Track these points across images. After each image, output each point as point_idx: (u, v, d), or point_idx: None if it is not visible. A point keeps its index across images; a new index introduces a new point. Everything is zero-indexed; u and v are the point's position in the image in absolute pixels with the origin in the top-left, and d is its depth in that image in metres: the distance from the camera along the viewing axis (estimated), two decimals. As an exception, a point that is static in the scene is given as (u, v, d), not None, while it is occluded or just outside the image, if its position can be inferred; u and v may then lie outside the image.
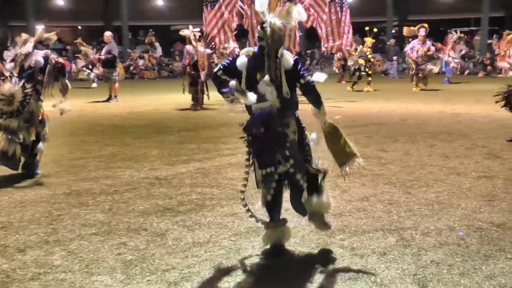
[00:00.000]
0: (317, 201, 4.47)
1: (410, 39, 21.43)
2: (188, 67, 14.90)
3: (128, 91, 19.80)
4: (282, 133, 4.33)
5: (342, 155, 4.65)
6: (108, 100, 16.93)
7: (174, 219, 5.31)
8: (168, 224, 5.18)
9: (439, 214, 5.33)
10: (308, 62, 32.32)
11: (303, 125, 4.59)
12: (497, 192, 6.04)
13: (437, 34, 27.89)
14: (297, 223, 5.10)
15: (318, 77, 4.50)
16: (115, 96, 17.03)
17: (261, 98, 4.24)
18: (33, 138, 7.17)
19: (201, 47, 14.86)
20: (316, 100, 4.55)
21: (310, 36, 25.60)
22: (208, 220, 5.27)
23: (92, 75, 20.47)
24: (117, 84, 17.24)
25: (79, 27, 37.62)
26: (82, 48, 18.23)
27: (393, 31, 34.73)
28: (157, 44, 30.70)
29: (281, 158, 4.30)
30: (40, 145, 7.32)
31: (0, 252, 4.53)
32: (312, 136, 4.71)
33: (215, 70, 4.52)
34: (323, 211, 4.56)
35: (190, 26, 15.22)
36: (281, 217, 4.58)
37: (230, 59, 4.49)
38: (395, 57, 28.06)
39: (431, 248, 4.46)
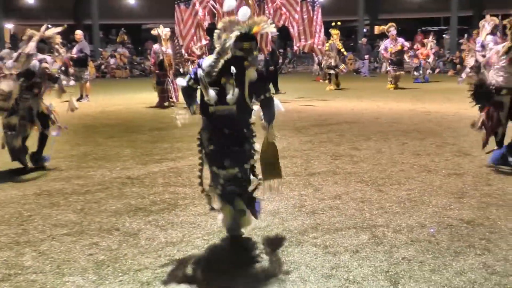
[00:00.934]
0: (246, 217, 4.69)
1: (383, 39, 21.61)
2: (153, 66, 15.42)
3: (100, 90, 19.59)
4: (239, 132, 4.55)
5: (270, 170, 4.78)
6: (79, 99, 16.72)
7: (146, 219, 5.28)
8: (141, 224, 5.15)
9: (411, 211, 5.40)
10: (280, 61, 32.41)
11: (254, 133, 4.70)
12: (467, 189, 6.14)
13: (406, 33, 28.18)
14: (270, 221, 5.12)
15: (279, 106, 4.76)
16: (87, 95, 16.84)
17: (220, 101, 4.41)
18: (29, 133, 7.49)
19: (168, 48, 14.96)
20: (271, 116, 4.65)
21: (282, 35, 25.61)
22: (181, 220, 5.25)
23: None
24: (88, 83, 17.05)
25: (49, 26, 37.19)
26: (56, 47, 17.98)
27: (365, 30, 35.02)
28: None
29: (230, 161, 4.50)
30: (48, 135, 7.62)
31: (-31, 254, 4.45)
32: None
33: (185, 81, 4.63)
34: (244, 224, 4.76)
35: (161, 26, 15.32)
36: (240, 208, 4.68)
37: (197, 67, 4.61)
38: (366, 56, 28.26)
39: (403, 245, 4.51)
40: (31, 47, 7.32)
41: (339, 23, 20.41)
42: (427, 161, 7.61)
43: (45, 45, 7.56)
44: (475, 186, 6.28)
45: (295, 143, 9.05)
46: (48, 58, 7.46)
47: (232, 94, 4.36)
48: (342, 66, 19.95)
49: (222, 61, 4.46)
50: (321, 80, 22.14)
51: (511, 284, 3.80)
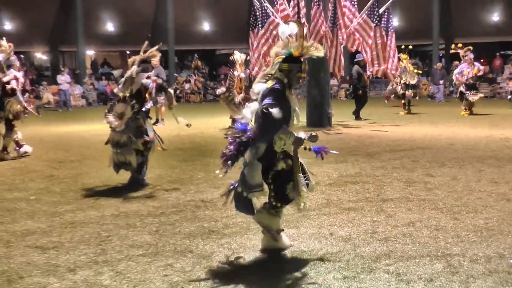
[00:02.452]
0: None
1: (458, 63, 21.12)
2: (227, 90, 15.64)
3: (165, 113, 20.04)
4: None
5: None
6: (155, 123, 17.21)
7: (219, 242, 5.36)
8: (214, 246, 5.24)
9: (488, 241, 5.24)
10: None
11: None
12: (549, 219, 5.91)
13: (484, 57, 27.49)
14: (342, 247, 5.10)
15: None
16: (162, 119, 17.29)
17: None
18: (141, 148, 8.06)
19: (241, 72, 15.22)
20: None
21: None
22: (253, 243, 5.30)
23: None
24: (163, 108, 17.50)
25: (128, 52, 38.50)
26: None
27: (440, 54, 34.37)
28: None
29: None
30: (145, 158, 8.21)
31: (51, 271, 4.66)
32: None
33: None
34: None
35: (236, 51, 15.65)
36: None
37: None
38: (441, 81, 27.73)
39: (480, 275, 4.38)
40: (133, 70, 8.00)
41: (410, 46, 20.20)
42: (506, 189, 7.38)
43: (147, 64, 8.28)
44: (557, 216, 6.04)
45: (367, 169, 8.97)
46: (151, 74, 8.22)
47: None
48: (408, 93, 19.62)
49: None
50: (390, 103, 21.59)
51: None
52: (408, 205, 6.62)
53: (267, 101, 4.69)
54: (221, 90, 15.98)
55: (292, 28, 4.90)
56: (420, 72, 21.34)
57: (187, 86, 31.19)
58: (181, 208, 6.74)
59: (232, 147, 5.08)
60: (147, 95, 8.24)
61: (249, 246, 5.22)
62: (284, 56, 4.83)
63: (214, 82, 33.39)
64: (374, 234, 5.51)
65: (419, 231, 5.59)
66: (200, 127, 16.35)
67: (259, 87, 4.90)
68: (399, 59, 19.71)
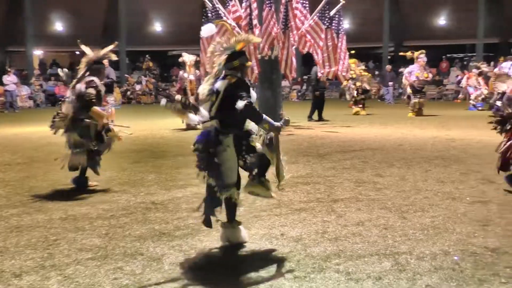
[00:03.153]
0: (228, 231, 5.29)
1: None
2: (177, 92, 16.14)
3: (125, 116, 19.87)
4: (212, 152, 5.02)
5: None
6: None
7: (170, 244, 5.33)
8: (164, 248, 5.20)
9: (434, 238, 5.36)
10: (304, 87, 32.56)
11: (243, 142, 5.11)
12: (492, 217, 6.08)
13: (431, 60, 28.12)
14: (293, 247, 5.14)
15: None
16: (112, 121, 17.05)
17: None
18: (93, 148, 7.88)
19: (191, 74, 15.33)
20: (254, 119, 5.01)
21: (307, 62, 25.79)
22: (204, 245, 5.29)
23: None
24: (113, 109, 17.25)
25: (77, 52, 37.85)
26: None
27: (389, 57, 35.00)
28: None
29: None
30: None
31: (-4, 276, 4.54)
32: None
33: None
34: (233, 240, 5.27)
35: (185, 53, 15.81)
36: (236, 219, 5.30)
37: None
38: (391, 83, 28.24)
39: (426, 272, 4.48)
40: (81, 72, 7.82)
41: (352, 51, 20.66)
42: (451, 188, 7.57)
43: (100, 65, 8.06)
44: (500, 214, 6.22)
45: (318, 169, 9.07)
46: (96, 79, 7.76)
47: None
48: (368, 87, 20.11)
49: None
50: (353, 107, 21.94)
51: (536, 314, 3.76)
52: (358, 205, 6.71)
53: (244, 95, 4.86)
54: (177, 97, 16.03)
55: (212, 28, 5.20)
56: (370, 75, 21.76)
57: (138, 87, 30.90)
58: (132, 210, 6.67)
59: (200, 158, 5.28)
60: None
61: (200, 248, 5.21)
62: (228, 55, 5.07)
63: (165, 83, 33.18)
64: (324, 234, 5.57)
65: (368, 230, 5.68)
66: (151, 129, 16.25)
67: (218, 85, 5.03)
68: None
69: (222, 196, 5.11)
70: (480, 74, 22.30)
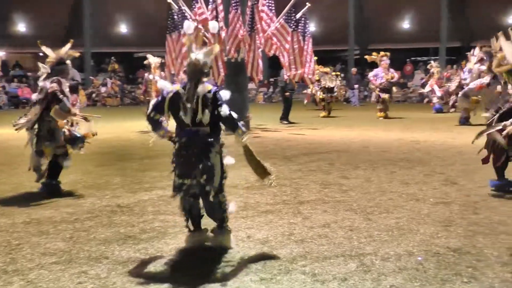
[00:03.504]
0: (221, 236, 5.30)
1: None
2: (143, 94, 16.36)
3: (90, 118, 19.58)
4: (203, 150, 5.01)
5: (261, 172, 5.33)
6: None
7: (136, 247, 5.29)
8: (130, 252, 5.16)
9: (399, 239, 5.44)
10: (271, 89, 32.67)
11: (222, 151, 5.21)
12: (454, 218, 6.19)
13: (396, 63, 28.50)
14: (259, 249, 5.15)
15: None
16: (76, 123, 16.82)
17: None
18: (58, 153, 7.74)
19: (156, 76, 15.36)
20: (232, 126, 5.12)
21: (273, 64, 25.89)
22: (171, 248, 5.27)
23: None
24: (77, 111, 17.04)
25: (41, 54, 37.32)
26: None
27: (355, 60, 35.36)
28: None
29: (197, 172, 4.97)
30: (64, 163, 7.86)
31: (-43, 282, 4.44)
32: (228, 159, 5.27)
33: (148, 111, 5.35)
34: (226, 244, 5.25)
35: (150, 55, 15.82)
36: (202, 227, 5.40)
37: (159, 98, 5.25)
38: (356, 86, 28.52)
39: (391, 273, 4.54)
40: (44, 72, 7.75)
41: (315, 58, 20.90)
42: (415, 189, 7.68)
43: (63, 65, 7.89)
44: (462, 214, 6.34)
45: (285, 172, 9.11)
46: (60, 78, 7.66)
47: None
48: (327, 96, 20.30)
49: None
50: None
51: (497, 312, 3.84)
52: (324, 207, 6.76)
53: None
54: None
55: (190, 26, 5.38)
56: (339, 73, 22.02)
57: (103, 89, 30.58)
58: (97, 213, 6.60)
59: None
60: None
61: (166, 251, 5.18)
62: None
63: (131, 86, 32.91)
64: (290, 236, 5.60)
65: (334, 232, 5.73)
66: (117, 131, 16.10)
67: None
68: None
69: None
70: (431, 75, 22.77)
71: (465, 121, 16.49)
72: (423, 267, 4.66)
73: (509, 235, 5.48)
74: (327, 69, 21.12)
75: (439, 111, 21.73)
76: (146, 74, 16.09)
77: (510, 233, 5.54)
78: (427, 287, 4.24)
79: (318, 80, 20.25)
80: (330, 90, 20.62)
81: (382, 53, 19.91)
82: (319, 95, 20.58)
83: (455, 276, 4.45)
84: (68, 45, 8.08)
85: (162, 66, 16.29)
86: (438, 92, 22.30)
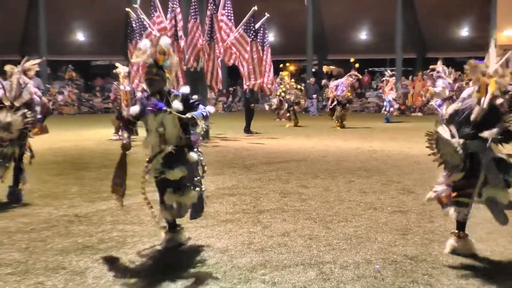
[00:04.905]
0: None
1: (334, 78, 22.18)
2: (112, 102, 16.49)
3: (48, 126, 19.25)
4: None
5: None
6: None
7: (94, 257, 5.22)
8: (88, 262, 5.09)
9: (357, 248, 5.51)
10: (230, 99, 32.69)
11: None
12: (411, 226, 6.31)
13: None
14: (219, 258, 5.15)
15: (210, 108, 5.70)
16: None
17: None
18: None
19: (126, 85, 15.43)
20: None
21: (233, 73, 25.94)
22: (129, 258, 5.22)
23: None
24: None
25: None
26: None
27: (313, 70, 35.68)
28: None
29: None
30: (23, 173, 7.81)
31: None
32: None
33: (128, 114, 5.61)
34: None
35: (118, 64, 16.01)
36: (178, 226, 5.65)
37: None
38: (314, 95, 28.75)
39: (349, 281, 4.60)
40: (23, 80, 7.72)
41: (287, 64, 21.16)
42: (373, 198, 7.79)
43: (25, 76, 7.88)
44: (419, 223, 6.46)
45: (244, 181, 9.12)
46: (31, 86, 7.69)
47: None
48: (302, 101, 20.61)
49: None
50: (283, 119, 22.16)
51: (453, 318, 3.92)
52: (283, 216, 6.80)
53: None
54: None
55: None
56: (301, 88, 22.28)
57: (60, 97, 30.09)
58: (54, 223, 6.49)
59: None
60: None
61: (125, 261, 5.13)
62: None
63: (89, 94, 32.48)
64: (250, 245, 5.62)
65: (294, 240, 5.77)
66: (74, 140, 15.87)
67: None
68: (282, 79, 20.70)
69: None
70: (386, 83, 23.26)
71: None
72: (381, 275, 4.74)
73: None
74: (298, 88, 21.38)
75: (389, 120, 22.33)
76: (115, 83, 16.19)
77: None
78: (385, 294, 4.31)
79: (284, 92, 20.52)
80: (297, 102, 20.96)
81: (354, 72, 20.13)
82: (286, 107, 20.86)
83: (412, 283, 4.53)
84: (37, 61, 8.05)
85: (129, 75, 16.23)
86: (395, 104, 22.80)
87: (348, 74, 20.05)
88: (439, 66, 17.30)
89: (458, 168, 5.08)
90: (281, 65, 21.26)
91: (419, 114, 26.72)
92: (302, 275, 4.73)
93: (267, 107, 21.71)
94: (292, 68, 20.59)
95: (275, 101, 21.03)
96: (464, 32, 33.02)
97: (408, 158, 11.63)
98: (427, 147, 5.18)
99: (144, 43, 5.55)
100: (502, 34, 28.59)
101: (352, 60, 20.50)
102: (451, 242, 5.34)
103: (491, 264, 5.05)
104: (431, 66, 18.16)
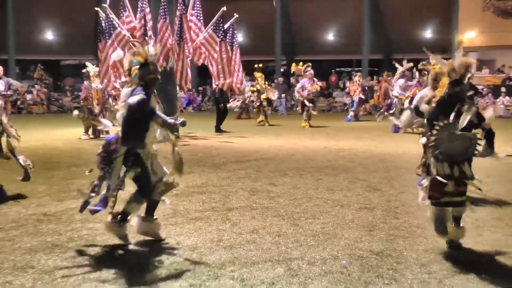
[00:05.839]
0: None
1: (299, 79, 22.26)
2: (83, 101, 16.04)
3: (15, 126, 18.92)
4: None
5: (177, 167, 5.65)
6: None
7: (63, 256, 5.15)
8: (57, 260, 5.02)
9: (324, 244, 5.54)
10: (200, 98, 32.59)
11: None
12: (377, 223, 6.37)
13: (321, 73, 29.11)
14: (188, 256, 5.14)
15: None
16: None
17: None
18: None
19: (96, 83, 15.46)
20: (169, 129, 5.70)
21: (202, 73, 25.88)
22: (99, 256, 5.17)
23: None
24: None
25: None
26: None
27: (282, 70, 35.79)
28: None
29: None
30: None
31: None
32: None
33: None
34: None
35: (88, 63, 15.92)
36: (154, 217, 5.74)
37: None
38: (283, 95, 28.85)
39: (317, 277, 4.62)
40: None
41: (260, 65, 21.33)
42: (340, 196, 7.85)
43: None
44: (384, 219, 6.53)
45: (214, 179, 9.11)
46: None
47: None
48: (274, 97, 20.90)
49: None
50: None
51: (416, 311, 3.98)
52: (252, 213, 6.81)
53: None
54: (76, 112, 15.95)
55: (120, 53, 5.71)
56: (272, 87, 22.47)
57: (29, 96, 29.62)
58: (22, 222, 6.38)
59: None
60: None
61: (94, 259, 5.08)
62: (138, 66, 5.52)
63: (58, 93, 32.04)
64: (219, 242, 5.61)
65: (262, 237, 5.78)
66: (43, 139, 15.62)
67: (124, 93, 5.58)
68: (256, 79, 20.86)
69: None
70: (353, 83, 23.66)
71: (397, 129, 16.81)
72: (347, 270, 4.78)
73: (426, 238, 5.70)
74: (270, 87, 21.62)
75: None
76: (85, 82, 16.04)
77: (427, 236, 5.75)
78: (351, 289, 4.35)
79: (258, 91, 20.69)
80: (269, 101, 21.15)
81: (306, 64, 20.30)
82: (259, 105, 20.97)
83: (377, 278, 4.58)
84: None
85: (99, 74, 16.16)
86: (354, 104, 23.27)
87: (303, 71, 20.19)
88: (400, 67, 17.52)
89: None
90: (255, 65, 21.33)
91: (385, 113, 27.03)
92: (271, 272, 4.74)
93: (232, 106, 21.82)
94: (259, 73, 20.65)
95: (238, 103, 21.37)
96: (428, 34, 33.54)
97: (374, 157, 11.75)
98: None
99: (118, 54, 5.80)
100: (463, 36, 29.11)
101: (255, 65, 21.04)
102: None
103: (453, 258, 5.12)
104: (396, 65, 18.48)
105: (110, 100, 16.20)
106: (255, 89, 20.95)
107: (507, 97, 26.25)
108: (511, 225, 6.32)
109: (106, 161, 5.42)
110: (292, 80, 26.29)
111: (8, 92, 16.16)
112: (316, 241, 5.64)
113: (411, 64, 18.23)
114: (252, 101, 21.68)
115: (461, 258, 5.12)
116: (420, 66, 7.61)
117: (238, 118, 23.55)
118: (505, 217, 6.67)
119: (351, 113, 23.35)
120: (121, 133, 5.39)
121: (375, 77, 30.64)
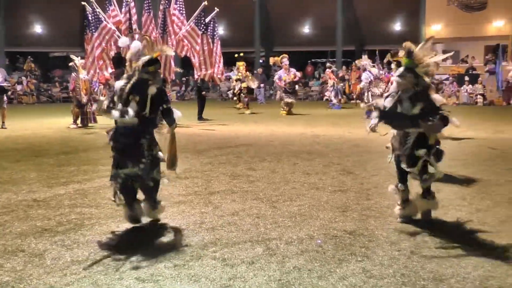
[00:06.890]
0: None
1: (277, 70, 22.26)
2: (72, 92, 15.98)
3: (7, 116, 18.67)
4: (138, 144, 5.33)
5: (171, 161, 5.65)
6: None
7: (52, 239, 5.09)
8: (47, 244, 4.96)
9: (301, 225, 5.55)
10: (183, 88, 32.41)
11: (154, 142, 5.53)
12: (350, 204, 6.39)
13: (298, 64, 29.02)
14: (172, 237, 5.11)
15: (178, 114, 5.59)
16: (3, 123, 15.77)
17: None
18: None
19: (83, 74, 15.32)
20: (171, 121, 5.55)
21: (185, 64, 25.71)
22: (87, 239, 5.11)
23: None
24: (5, 111, 16.00)
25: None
26: None
27: (261, 61, 35.69)
28: None
29: (133, 163, 5.33)
30: None
31: None
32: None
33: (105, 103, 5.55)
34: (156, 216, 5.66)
35: (73, 56, 15.74)
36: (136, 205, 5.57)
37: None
38: (262, 84, 28.79)
39: (294, 255, 4.63)
40: None
41: (241, 54, 21.27)
42: (315, 179, 7.86)
43: None
44: (357, 201, 6.55)
45: (196, 165, 9.06)
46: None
47: (133, 110, 5.25)
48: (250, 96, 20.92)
49: (130, 84, 5.36)
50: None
51: (386, 286, 4.00)
52: (233, 197, 6.79)
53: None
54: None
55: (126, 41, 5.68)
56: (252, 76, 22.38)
57: (19, 87, 29.20)
58: (13, 208, 6.29)
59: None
60: None
61: (83, 242, 5.02)
62: (146, 61, 5.45)
63: (47, 84, 31.63)
64: (202, 224, 5.58)
65: (242, 219, 5.76)
66: (33, 128, 15.44)
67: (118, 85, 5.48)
68: (238, 68, 20.81)
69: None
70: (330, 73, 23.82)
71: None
72: (322, 249, 4.78)
73: (396, 218, 5.72)
74: (251, 76, 21.54)
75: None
76: (73, 74, 15.81)
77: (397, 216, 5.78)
78: (326, 266, 4.36)
79: (240, 80, 20.63)
80: (250, 90, 21.18)
81: (282, 55, 20.27)
82: (242, 93, 20.87)
83: (350, 255, 4.60)
84: None
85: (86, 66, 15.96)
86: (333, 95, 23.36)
87: (280, 62, 20.19)
88: (364, 60, 17.47)
89: None
90: (236, 55, 21.34)
91: (358, 101, 27.16)
92: (250, 251, 4.73)
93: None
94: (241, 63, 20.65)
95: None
96: (397, 26, 33.58)
97: (348, 142, 11.77)
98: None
99: (124, 40, 5.75)
100: (430, 28, 29.27)
101: (236, 55, 21.08)
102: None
103: (421, 235, 5.16)
104: (356, 61, 18.47)
105: (98, 89, 16.14)
106: (239, 77, 20.86)
107: (470, 85, 26.49)
108: (473, 203, 6.39)
109: None
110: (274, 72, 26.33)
111: (5, 83, 15.97)
112: (293, 222, 5.64)
113: (369, 60, 17.77)
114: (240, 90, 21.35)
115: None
116: (387, 58, 7.64)
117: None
118: (468, 196, 6.74)
119: (334, 100, 23.37)
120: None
121: (347, 68, 30.71)
